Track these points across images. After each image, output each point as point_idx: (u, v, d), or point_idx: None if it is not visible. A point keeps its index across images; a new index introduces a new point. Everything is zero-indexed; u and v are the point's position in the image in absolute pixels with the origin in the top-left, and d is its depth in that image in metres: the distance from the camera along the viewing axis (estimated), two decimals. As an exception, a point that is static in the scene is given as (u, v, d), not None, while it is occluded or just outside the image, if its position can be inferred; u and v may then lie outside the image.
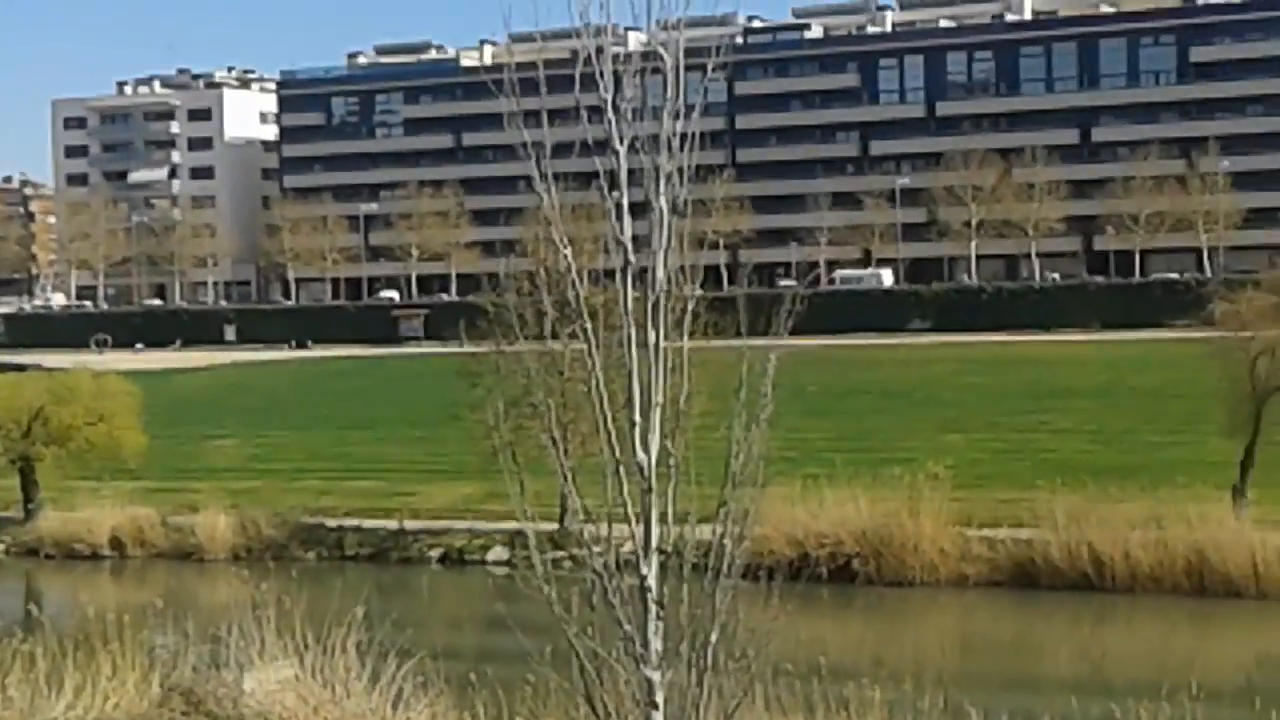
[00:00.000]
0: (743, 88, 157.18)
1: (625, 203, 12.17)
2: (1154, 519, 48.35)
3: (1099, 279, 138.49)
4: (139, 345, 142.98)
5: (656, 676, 12.01)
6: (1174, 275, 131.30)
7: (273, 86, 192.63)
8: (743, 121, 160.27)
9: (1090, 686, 33.85)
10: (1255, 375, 50.07)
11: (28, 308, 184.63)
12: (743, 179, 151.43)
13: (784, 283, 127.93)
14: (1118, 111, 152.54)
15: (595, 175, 12.16)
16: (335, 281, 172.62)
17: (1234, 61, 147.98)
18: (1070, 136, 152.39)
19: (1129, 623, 48.18)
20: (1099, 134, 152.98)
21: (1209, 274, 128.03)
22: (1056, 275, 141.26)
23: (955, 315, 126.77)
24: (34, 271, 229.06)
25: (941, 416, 73.44)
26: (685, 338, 12.34)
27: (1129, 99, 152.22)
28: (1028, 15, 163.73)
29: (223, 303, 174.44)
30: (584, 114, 12.14)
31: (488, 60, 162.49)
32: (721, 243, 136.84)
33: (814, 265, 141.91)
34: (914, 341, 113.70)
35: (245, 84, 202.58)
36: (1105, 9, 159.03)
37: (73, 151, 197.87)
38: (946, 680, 24.46)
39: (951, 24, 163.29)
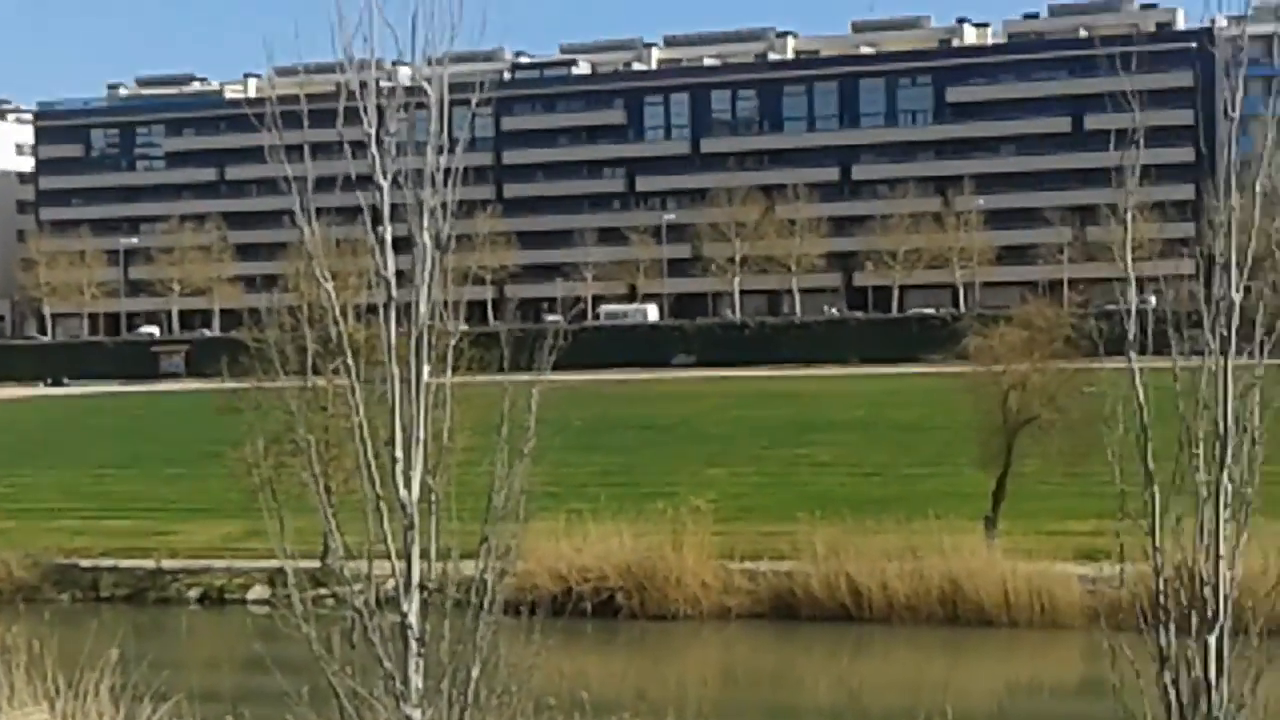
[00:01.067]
0: (510, 123, 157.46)
1: (389, 238, 12.15)
2: (910, 550, 49.29)
3: (859, 314, 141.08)
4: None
5: (416, 714, 11.96)
6: (930, 310, 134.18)
7: (29, 117, 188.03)
8: (510, 157, 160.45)
9: (848, 716, 34.39)
10: (1007, 408, 51.36)
11: None
12: (509, 214, 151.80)
13: (549, 318, 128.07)
14: (877, 150, 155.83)
15: (360, 210, 12.12)
16: (94, 317, 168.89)
17: (988, 102, 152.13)
18: (831, 174, 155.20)
19: (886, 652, 49.01)
20: (859, 172, 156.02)
21: (964, 309, 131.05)
22: (836, 309, 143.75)
23: (719, 350, 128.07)
24: None
25: (705, 450, 74.09)
26: (449, 373, 12.34)
27: (888, 138, 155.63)
28: (790, 55, 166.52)
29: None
30: (348, 148, 12.09)
31: (252, 93, 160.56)
32: (488, 278, 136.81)
33: (579, 300, 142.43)
34: (679, 376, 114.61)
35: (1, 115, 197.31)
36: (865, 50, 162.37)
37: None
38: (707, 711, 24.70)
39: (716, 62, 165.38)
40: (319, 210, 12.28)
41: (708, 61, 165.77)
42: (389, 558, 12.07)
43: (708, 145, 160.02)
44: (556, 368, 13.15)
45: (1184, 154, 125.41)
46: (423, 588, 12.07)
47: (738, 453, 73.32)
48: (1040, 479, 52.79)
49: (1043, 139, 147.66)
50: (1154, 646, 11.59)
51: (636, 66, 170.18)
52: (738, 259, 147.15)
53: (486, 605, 12.27)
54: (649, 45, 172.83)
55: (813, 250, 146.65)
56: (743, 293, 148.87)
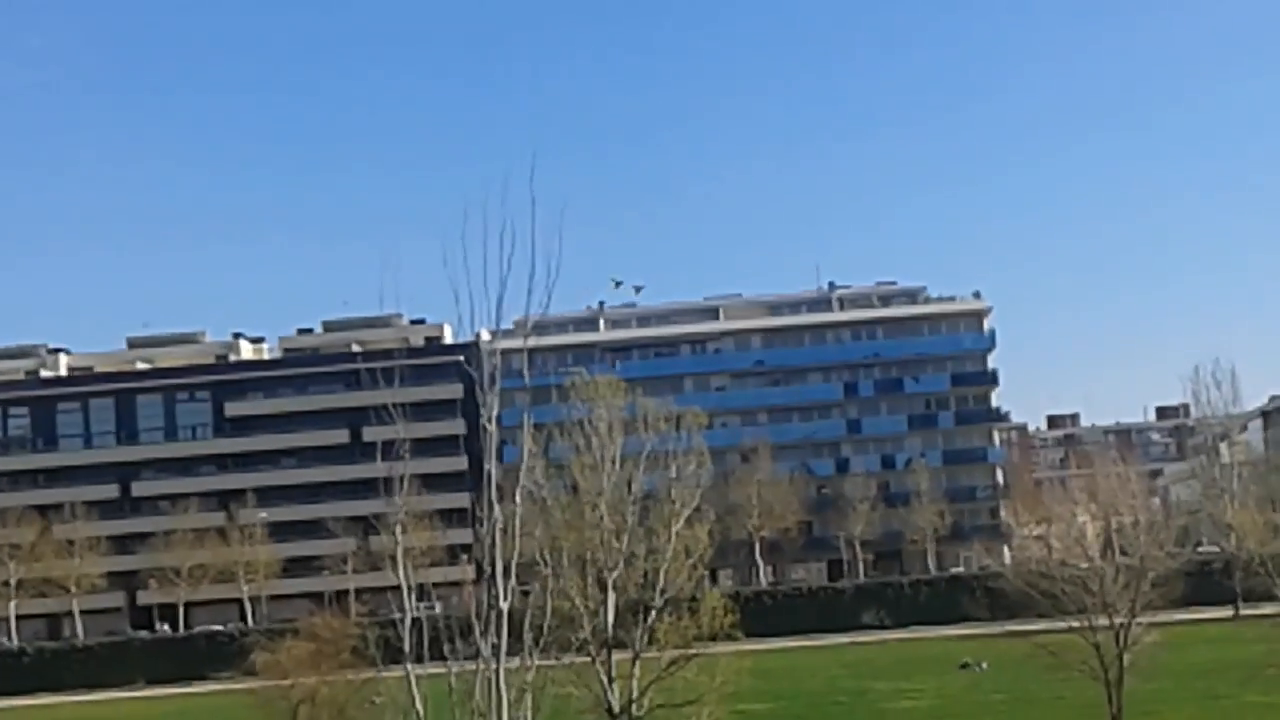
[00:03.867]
0: None
1: None
2: None
3: (143, 634, 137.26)
4: None
5: None
6: (218, 627, 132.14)
7: None
8: None
9: None
10: (298, 723, 50.97)
11: None
12: None
13: None
14: (158, 466, 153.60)
15: None
16: None
17: (267, 416, 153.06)
18: (110, 491, 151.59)
19: None
20: (139, 488, 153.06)
21: (252, 624, 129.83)
22: (167, 626, 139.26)
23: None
24: None
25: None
26: None
27: (168, 453, 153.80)
28: (64, 371, 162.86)
29: None
30: None
31: None
32: None
33: None
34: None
35: None
36: (141, 365, 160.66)
37: None
38: None
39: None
40: None
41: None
42: None
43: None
44: None
45: (459, 463, 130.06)
46: None
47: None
48: (334, 792, 52.35)
49: (323, 451, 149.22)
50: None
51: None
52: (13, 582, 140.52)
53: None
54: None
55: (94, 570, 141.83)
56: (20, 617, 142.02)
